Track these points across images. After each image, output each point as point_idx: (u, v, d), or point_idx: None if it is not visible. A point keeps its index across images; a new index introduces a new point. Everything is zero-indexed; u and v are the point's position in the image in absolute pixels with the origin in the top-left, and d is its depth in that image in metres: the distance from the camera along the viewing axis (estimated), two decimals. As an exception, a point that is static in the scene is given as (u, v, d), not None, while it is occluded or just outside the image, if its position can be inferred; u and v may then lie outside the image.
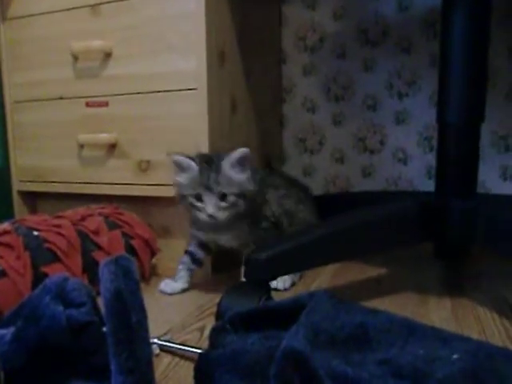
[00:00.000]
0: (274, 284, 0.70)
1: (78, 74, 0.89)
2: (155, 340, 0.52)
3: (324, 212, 0.80)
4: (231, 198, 0.66)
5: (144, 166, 0.87)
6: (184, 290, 0.74)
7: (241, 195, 0.66)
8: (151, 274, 0.83)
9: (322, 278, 0.78)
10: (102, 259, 0.40)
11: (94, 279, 0.64)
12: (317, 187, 1.18)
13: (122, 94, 0.86)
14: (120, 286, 0.36)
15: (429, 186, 1.08)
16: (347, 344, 0.42)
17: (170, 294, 0.73)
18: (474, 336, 0.54)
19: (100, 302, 0.37)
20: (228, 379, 0.38)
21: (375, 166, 1.14)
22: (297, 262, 0.57)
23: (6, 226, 0.63)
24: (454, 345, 0.39)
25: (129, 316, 0.35)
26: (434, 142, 1.08)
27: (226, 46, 0.85)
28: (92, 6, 0.86)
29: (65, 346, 0.36)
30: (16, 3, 0.94)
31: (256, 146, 1.01)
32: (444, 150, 0.63)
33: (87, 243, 0.67)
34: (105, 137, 0.87)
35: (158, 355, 0.51)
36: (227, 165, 0.66)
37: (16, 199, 1.01)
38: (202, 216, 0.66)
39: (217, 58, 0.82)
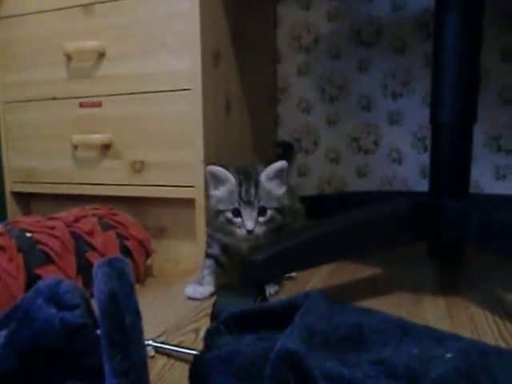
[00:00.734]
0: None
1: (71, 74, 0.89)
2: (150, 342, 0.51)
3: (319, 212, 0.80)
4: (270, 213, 0.63)
5: (138, 167, 0.87)
6: (212, 295, 0.68)
7: (279, 210, 0.64)
8: (146, 275, 0.83)
9: (318, 277, 0.78)
10: (97, 260, 0.39)
11: (88, 281, 0.63)
12: (311, 187, 1.18)
13: (116, 95, 0.85)
14: (114, 288, 0.36)
15: (423, 185, 1.09)
16: (342, 344, 0.42)
17: (199, 300, 0.68)
18: (468, 335, 0.54)
19: (94, 304, 0.37)
20: (223, 380, 0.38)
21: (370, 166, 1.14)
22: (292, 263, 0.57)
23: (-2, 227, 0.62)
24: (447, 344, 0.40)
25: (123, 318, 0.35)
26: (428, 142, 1.08)
27: (220, 46, 0.85)
28: (85, 6, 0.85)
29: (58, 348, 0.36)
30: (7, 3, 0.93)
31: (251, 146, 1.01)
32: (437, 150, 0.63)
33: (81, 244, 0.67)
34: (98, 137, 0.87)
35: (153, 357, 0.50)
36: (265, 178, 0.63)
37: (9, 200, 1.01)
38: (240, 232, 0.63)
39: (211, 58, 0.82)
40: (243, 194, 0.61)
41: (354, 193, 1.10)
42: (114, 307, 0.35)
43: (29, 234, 0.62)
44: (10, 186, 1.00)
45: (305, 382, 0.34)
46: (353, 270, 0.81)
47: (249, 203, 0.62)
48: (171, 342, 0.53)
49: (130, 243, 0.74)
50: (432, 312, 0.62)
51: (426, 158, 1.08)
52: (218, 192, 0.64)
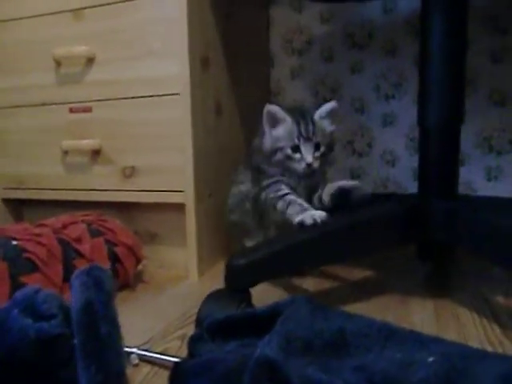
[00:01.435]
0: None
1: (61, 80, 0.89)
2: (134, 350, 0.51)
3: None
4: (323, 148, 0.69)
5: (128, 172, 0.86)
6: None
7: (329, 146, 0.71)
8: (137, 281, 0.82)
9: (308, 280, 0.78)
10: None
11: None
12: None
13: (106, 100, 0.85)
14: (90, 297, 0.35)
15: (416, 187, 1.08)
16: (325, 350, 0.41)
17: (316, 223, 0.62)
18: (453, 336, 0.54)
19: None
20: (202, 389, 0.38)
21: (364, 168, 1.14)
22: (278, 267, 0.56)
23: (-16, 235, 0.62)
24: (430, 347, 0.40)
25: (98, 328, 0.34)
26: (421, 144, 1.08)
27: (209, 51, 0.85)
28: (74, 11, 0.85)
29: (34, 359, 0.35)
30: (-4, 8, 0.93)
31: (244, 149, 1.00)
32: (425, 151, 0.63)
33: (69, 251, 0.66)
34: (89, 143, 0.86)
35: (137, 365, 0.50)
36: (320, 116, 0.70)
37: (1, 207, 1.00)
38: (299, 166, 0.68)
39: (200, 62, 0.81)
40: (302, 131, 0.68)
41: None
42: (89, 317, 0.35)
43: (15, 242, 0.62)
44: (0, 193, 1.00)
45: (282, 391, 0.34)
46: (344, 272, 0.81)
47: (307, 139, 0.68)
48: (156, 350, 0.53)
49: (118, 249, 0.74)
50: (419, 314, 0.62)
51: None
52: (276, 131, 0.69)
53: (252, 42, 1.07)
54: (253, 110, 1.07)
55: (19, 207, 1.02)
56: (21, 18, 0.91)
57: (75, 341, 0.35)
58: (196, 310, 0.55)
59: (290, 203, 0.67)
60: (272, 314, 0.45)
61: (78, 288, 0.36)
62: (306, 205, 0.67)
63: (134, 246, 0.77)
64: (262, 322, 0.44)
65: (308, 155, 0.68)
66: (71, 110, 0.88)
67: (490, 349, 0.51)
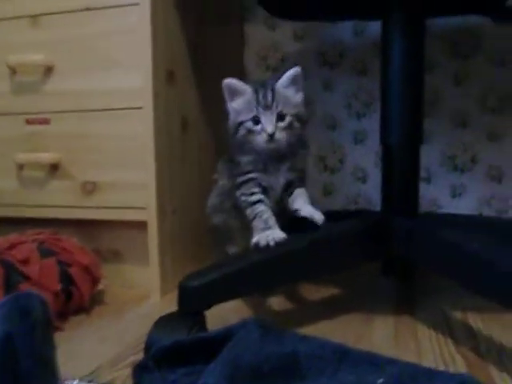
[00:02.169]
0: None
1: (17, 89, 0.84)
2: (75, 382, 0.46)
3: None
4: (289, 119, 0.63)
5: (89, 188, 0.82)
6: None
7: (297, 117, 0.64)
8: (95, 303, 0.78)
9: (273, 298, 0.76)
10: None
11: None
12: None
13: (65, 111, 0.81)
14: (9, 330, 0.31)
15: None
16: (274, 375, 0.39)
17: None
18: (410, 355, 0.54)
19: None
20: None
21: (335, 184, 1.14)
22: (234, 289, 0.53)
23: None
24: (384, 368, 0.39)
25: (16, 364, 0.30)
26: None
27: (176, 65, 0.83)
28: (33, 17, 0.82)
29: None
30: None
31: (213, 163, 0.98)
32: (387, 170, 0.64)
33: (13, 275, 0.61)
34: (47, 156, 0.82)
35: (77, 400, 0.46)
36: (282, 84, 0.64)
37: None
38: (260, 140, 0.62)
39: (165, 76, 0.79)
40: (260, 99, 0.62)
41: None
42: (7, 351, 0.31)
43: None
44: None
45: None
46: (310, 289, 0.80)
47: (267, 107, 0.62)
48: (101, 381, 0.48)
49: (73, 270, 0.69)
50: (380, 332, 0.62)
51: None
52: (235, 104, 0.64)
53: (226, 57, 1.06)
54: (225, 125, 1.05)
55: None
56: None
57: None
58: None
59: (256, 215, 0.63)
60: (223, 339, 0.42)
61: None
62: (270, 222, 0.63)
63: (90, 265, 0.73)
64: (213, 348, 0.41)
65: (269, 125, 0.61)
66: (28, 122, 0.83)
67: (442, 365, 0.51)
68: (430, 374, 0.38)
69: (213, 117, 0.97)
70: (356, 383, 0.36)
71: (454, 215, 0.91)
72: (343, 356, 0.40)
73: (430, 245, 0.55)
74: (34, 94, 0.83)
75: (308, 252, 0.58)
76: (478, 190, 1.05)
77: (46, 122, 0.82)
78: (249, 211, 0.64)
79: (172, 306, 0.69)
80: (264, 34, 1.15)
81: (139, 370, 0.42)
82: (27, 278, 0.62)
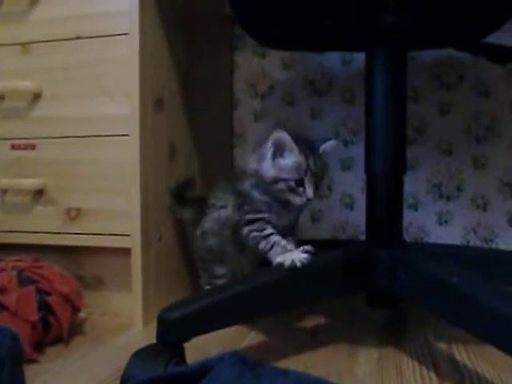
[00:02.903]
0: None
1: (4, 114, 0.84)
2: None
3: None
4: (319, 183, 0.69)
5: (73, 214, 0.82)
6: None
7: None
8: (75, 332, 0.76)
9: (257, 330, 0.75)
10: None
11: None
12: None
13: (51, 138, 0.81)
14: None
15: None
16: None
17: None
18: None
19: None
20: None
21: (323, 211, 1.13)
22: (214, 321, 0.52)
23: None
24: None
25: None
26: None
27: (164, 93, 0.83)
28: (23, 44, 0.82)
29: None
30: None
31: (202, 190, 0.98)
32: (371, 199, 0.64)
33: (-11, 303, 0.60)
34: (31, 182, 0.82)
35: None
36: (324, 151, 0.71)
37: None
38: (298, 200, 0.66)
39: (153, 104, 0.80)
40: (310, 166, 0.66)
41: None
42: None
43: None
44: None
45: None
46: (294, 321, 0.79)
47: (313, 175, 0.67)
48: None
49: (52, 299, 0.68)
50: (364, 365, 0.61)
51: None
52: (283, 162, 0.66)
53: (215, 85, 1.08)
54: (212, 153, 1.06)
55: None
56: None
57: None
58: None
59: (273, 245, 0.66)
60: (200, 374, 0.41)
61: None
62: (289, 246, 0.65)
63: (70, 294, 0.71)
64: (189, 382, 0.40)
65: (310, 191, 0.66)
66: (13, 147, 0.83)
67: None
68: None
69: (202, 142, 0.98)
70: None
71: (438, 245, 0.91)
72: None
73: (411, 277, 0.55)
74: (21, 119, 0.83)
75: (290, 283, 0.57)
76: (464, 218, 1.05)
77: (31, 147, 0.82)
78: (263, 244, 0.67)
79: (154, 337, 0.68)
80: (253, 62, 1.17)
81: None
82: (4, 308, 0.61)
